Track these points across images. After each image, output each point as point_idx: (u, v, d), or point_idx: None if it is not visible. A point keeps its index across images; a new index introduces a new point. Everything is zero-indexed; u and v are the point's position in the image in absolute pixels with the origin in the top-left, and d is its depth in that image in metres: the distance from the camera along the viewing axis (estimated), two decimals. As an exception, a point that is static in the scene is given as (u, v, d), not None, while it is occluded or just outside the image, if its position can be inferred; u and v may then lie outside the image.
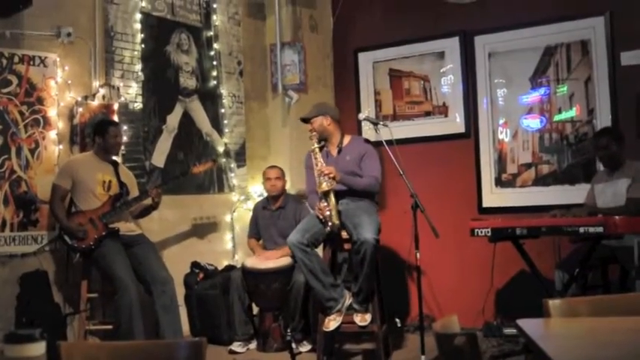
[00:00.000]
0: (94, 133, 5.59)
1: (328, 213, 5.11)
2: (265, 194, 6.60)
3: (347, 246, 5.40)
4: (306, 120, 5.57)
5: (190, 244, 6.62)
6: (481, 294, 6.11)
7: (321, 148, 5.40)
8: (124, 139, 5.86)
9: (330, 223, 5.11)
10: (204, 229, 6.76)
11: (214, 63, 6.98)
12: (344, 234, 5.27)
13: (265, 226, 6.36)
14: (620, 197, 5.30)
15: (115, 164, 5.62)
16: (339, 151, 5.50)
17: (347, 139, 5.58)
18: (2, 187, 5.30)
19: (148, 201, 5.62)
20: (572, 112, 6.38)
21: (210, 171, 6.67)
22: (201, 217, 6.72)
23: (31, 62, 5.52)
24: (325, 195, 5.12)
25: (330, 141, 5.55)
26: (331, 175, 5.12)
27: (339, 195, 5.23)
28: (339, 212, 5.19)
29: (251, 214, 6.60)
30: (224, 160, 6.97)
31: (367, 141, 5.63)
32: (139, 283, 5.31)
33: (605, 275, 5.45)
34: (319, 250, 5.37)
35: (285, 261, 5.77)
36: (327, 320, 5.14)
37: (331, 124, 5.52)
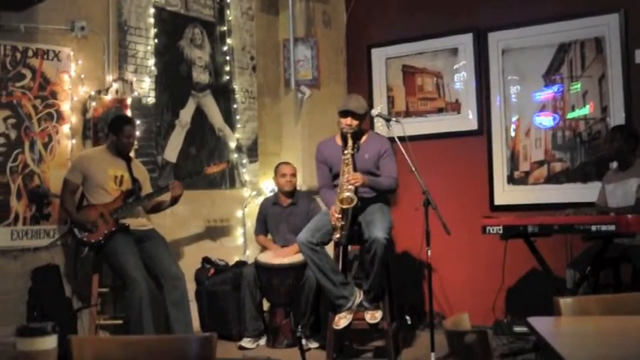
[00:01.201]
0: (108, 128, 5.60)
1: (340, 225, 5.06)
2: (275, 190, 6.60)
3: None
4: (348, 113, 5.19)
5: (202, 240, 6.63)
6: (492, 292, 6.10)
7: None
8: (137, 133, 5.86)
9: (338, 235, 5.07)
10: (216, 230, 6.78)
11: (227, 58, 6.98)
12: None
13: (276, 222, 6.35)
14: (630, 197, 5.27)
15: (128, 159, 5.62)
16: (358, 149, 5.31)
17: (365, 136, 5.41)
18: (15, 181, 5.33)
19: (166, 197, 5.63)
20: (586, 110, 6.35)
21: (223, 169, 6.66)
22: (214, 220, 6.73)
23: (45, 56, 5.53)
24: (343, 210, 5.02)
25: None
26: (358, 183, 5.03)
27: (363, 203, 5.15)
28: (354, 225, 5.16)
29: (258, 210, 6.59)
30: (236, 155, 6.97)
31: (384, 138, 5.47)
32: (150, 278, 5.31)
33: (617, 274, 5.43)
34: (329, 247, 5.35)
35: (299, 257, 5.67)
36: (337, 318, 5.13)
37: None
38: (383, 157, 5.32)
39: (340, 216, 5.02)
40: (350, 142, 5.15)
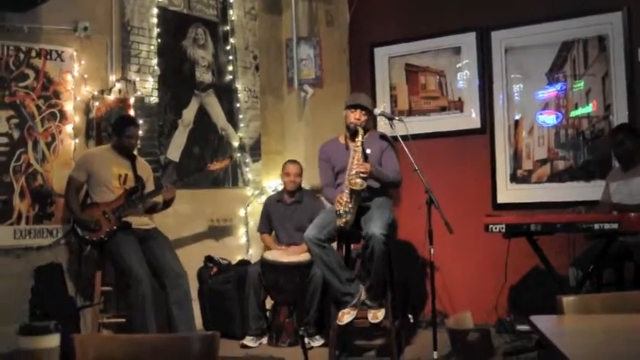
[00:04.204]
0: (112, 128, 5.61)
1: (347, 209, 5.08)
2: (280, 187, 6.59)
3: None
4: (357, 106, 5.35)
5: (204, 239, 6.64)
6: (494, 290, 6.08)
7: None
8: (140, 133, 5.86)
9: (344, 219, 5.08)
10: (219, 229, 6.79)
11: (230, 57, 6.99)
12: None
13: (280, 219, 6.34)
14: (635, 195, 5.27)
15: (132, 158, 5.63)
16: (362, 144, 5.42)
17: (367, 133, 5.48)
18: (18, 181, 5.34)
19: (159, 198, 5.64)
20: (589, 108, 6.34)
21: (226, 166, 6.66)
22: (217, 219, 6.74)
23: (48, 56, 5.55)
24: (352, 193, 5.06)
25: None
26: (366, 174, 5.05)
27: (369, 192, 5.19)
28: (360, 210, 5.18)
29: (262, 208, 6.58)
30: (239, 154, 6.97)
31: (384, 136, 5.58)
32: (153, 276, 5.32)
33: (620, 272, 5.43)
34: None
35: (306, 256, 5.68)
36: (341, 314, 5.13)
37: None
38: (386, 152, 5.40)
39: (348, 200, 5.04)
40: (361, 131, 5.22)
